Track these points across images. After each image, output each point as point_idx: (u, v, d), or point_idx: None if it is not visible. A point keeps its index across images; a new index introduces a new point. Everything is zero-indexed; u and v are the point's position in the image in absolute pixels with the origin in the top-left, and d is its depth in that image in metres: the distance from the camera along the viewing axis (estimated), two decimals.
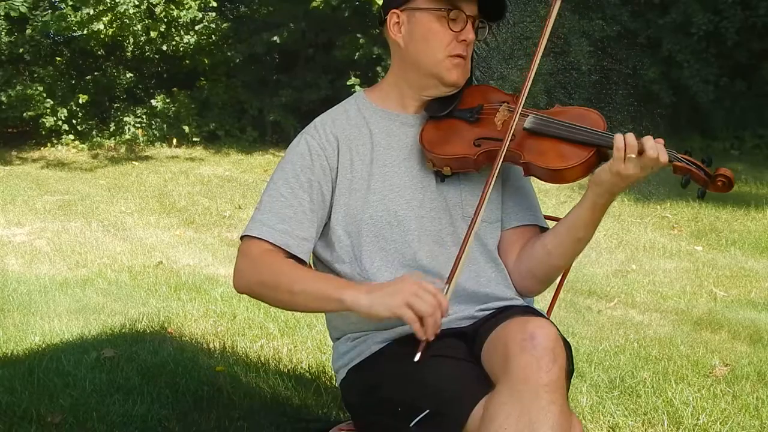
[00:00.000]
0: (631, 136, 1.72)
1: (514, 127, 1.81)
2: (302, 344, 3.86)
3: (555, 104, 1.91)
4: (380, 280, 1.82)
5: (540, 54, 1.85)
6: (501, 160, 1.79)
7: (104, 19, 11.82)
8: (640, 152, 1.70)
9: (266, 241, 1.81)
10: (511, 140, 1.81)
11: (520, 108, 1.83)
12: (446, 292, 1.68)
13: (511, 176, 1.96)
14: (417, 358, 1.63)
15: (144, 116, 13.26)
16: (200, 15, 12.98)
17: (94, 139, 13.06)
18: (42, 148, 13.02)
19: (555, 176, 1.81)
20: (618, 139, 1.72)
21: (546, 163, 1.80)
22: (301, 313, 1.90)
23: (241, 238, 1.87)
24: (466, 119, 1.89)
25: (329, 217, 1.88)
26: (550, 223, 2.05)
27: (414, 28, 1.86)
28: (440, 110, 1.91)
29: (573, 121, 1.82)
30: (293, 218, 1.82)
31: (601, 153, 1.78)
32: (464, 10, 1.83)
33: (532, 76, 1.85)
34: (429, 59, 1.86)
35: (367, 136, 1.91)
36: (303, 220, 1.83)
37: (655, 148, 1.70)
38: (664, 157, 1.70)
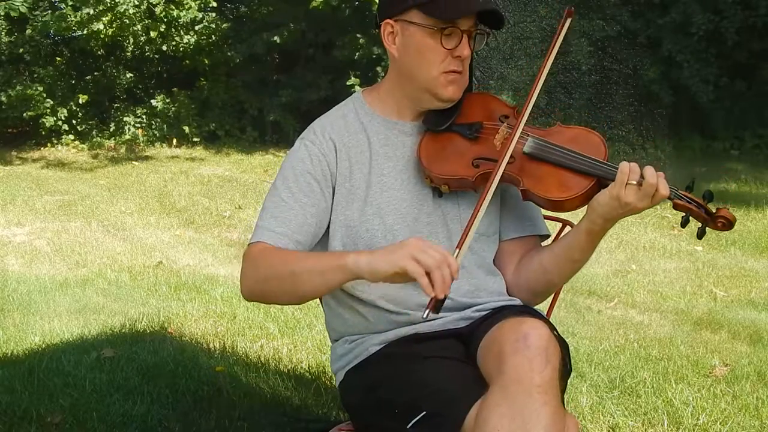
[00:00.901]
0: (634, 164, 1.71)
1: (511, 149, 1.77)
2: (302, 344, 3.87)
3: (557, 123, 1.88)
4: (374, 294, 1.82)
5: (542, 79, 1.82)
6: (495, 184, 1.74)
7: (104, 19, 11.82)
8: (642, 179, 1.70)
9: (265, 243, 1.80)
10: (511, 163, 1.78)
11: (518, 132, 1.79)
12: (456, 256, 1.61)
13: (510, 187, 1.92)
14: (425, 314, 1.55)
15: (144, 116, 13.26)
16: (200, 15, 12.97)
17: (94, 139, 13.06)
18: (42, 148, 13.02)
19: (554, 206, 1.80)
20: (623, 164, 1.71)
21: (545, 193, 1.78)
22: (310, 299, 1.85)
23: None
24: (465, 135, 1.86)
25: (328, 226, 1.86)
26: (551, 224, 2.05)
27: (408, 42, 1.81)
28: (439, 124, 1.87)
29: (574, 145, 1.79)
30: (293, 221, 1.80)
31: (602, 183, 1.76)
32: (458, 26, 1.78)
33: (533, 99, 1.81)
34: (423, 75, 1.81)
35: (365, 144, 1.89)
36: (302, 224, 1.81)
37: (656, 177, 1.70)
38: (663, 188, 1.70)
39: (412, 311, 1.82)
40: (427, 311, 1.55)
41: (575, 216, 1.90)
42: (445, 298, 1.55)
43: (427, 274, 1.53)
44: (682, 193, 1.74)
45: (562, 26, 1.84)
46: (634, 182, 1.69)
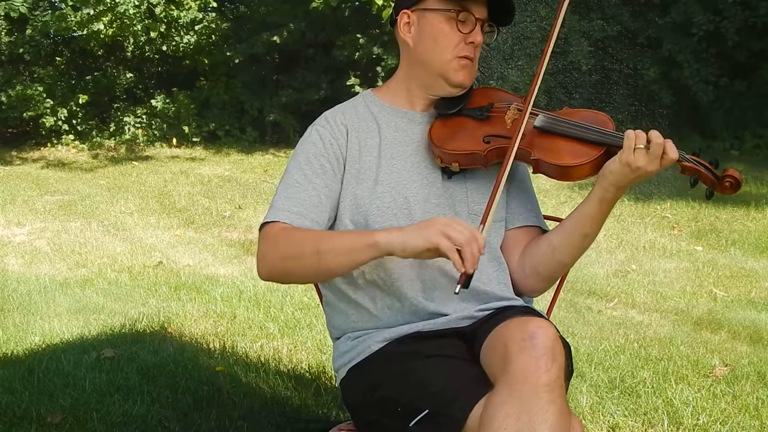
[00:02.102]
0: (640, 130, 1.75)
1: (525, 120, 1.82)
2: (302, 344, 3.87)
3: (564, 107, 1.93)
4: (387, 271, 1.83)
5: (549, 53, 1.86)
6: (512, 157, 1.80)
7: (104, 19, 11.82)
8: (648, 143, 1.73)
9: (283, 222, 1.82)
10: (521, 138, 1.82)
11: (530, 105, 1.84)
12: (482, 231, 1.69)
13: (516, 177, 1.98)
14: (457, 290, 1.63)
15: (144, 116, 13.26)
16: (200, 15, 12.97)
17: (94, 139, 13.07)
18: (42, 148, 13.02)
19: (564, 173, 1.83)
20: (629, 131, 1.76)
21: (556, 160, 1.81)
22: (333, 277, 1.89)
23: (261, 228, 1.88)
24: (475, 117, 1.91)
25: (337, 203, 1.89)
26: (550, 224, 2.05)
27: (423, 29, 1.89)
28: (449, 108, 1.92)
29: (582, 121, 1.85)
30: (307, 201, 1.84)
31: (611, 152, 1.80)
32: (473, 13, 1.86)
33: (542, 74, 1.86)
34: (437, 59, 1.88)
35: (375, 130, 1.93)
36: (317, 204, 1.84)
37: (662, 138, 1.74)
38: (671, 150, 1.74)
39: (414, 297, 1.84)
40: (458, 286, 1.63)
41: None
42: (474, 272, 1.63)
43: (458, 250, 1.61)
44: (690, 156, 1.78)
45: (562, 5, 1.88)
46: (642, 146, 1.73)
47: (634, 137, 1.74)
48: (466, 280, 1.63)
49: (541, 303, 2.18)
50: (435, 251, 1.63)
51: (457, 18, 1.85)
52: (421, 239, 1.63)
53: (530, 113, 1.85)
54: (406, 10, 1.91)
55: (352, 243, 1.73)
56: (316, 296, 2.08)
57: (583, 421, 2.90)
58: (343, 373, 1.91)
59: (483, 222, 1.72)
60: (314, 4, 11.54)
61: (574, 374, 1.88)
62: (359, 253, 1.71)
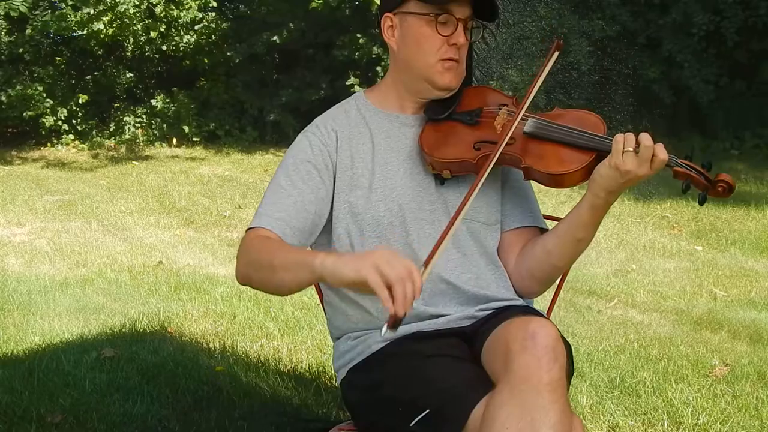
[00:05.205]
0: (629, 134, 1.73)
1: (512, 130, 1.80)
2: (302, 344, 3.87)
3: (554, 106, 1.91)
4: None
5: (540, 80, 1.83)
6: (493, 162, 1.77)
7: (104, 18, 11.82)
8: (638, 146, 1.70)
9: (263, 228, 1.81)
10: (511, 144, 1.80)
11: (521, 113, 1.82)
12: (422, 273, 1.53)
13: (510, 178, 1.96)
14: (383, 332, 1.46)
15: (144, 116, 13.25)
16: (200, 15, 12.97)
17: (94, 139, 13.06)
18: (42, 148, 13.02)
19: (555, 180, 1.81)
20: (618, 135, 1.74)
21: (546, 168, 1.79)
22: (287, 293, 1.82)
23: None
24: (465, 122, 1.89)
25: (330, 212, 1.88)
26: (550, 223, 2.05)
27: (406, 33, 1.86)
28: (439, 113, 1.90)
29: (573, 124, 1.82)
30: (291, 208, 1.82)
31: (601, 157, 1.78)
32: (454, 14, 1.82)
33: (535, 91, 1.83)
34: (420, 63, 1.86)
35: (367, 136, 1.92)
36: (300, 210, 1.83)
37: (651, 141, 1.71)
38: (661, 153, 1.71)
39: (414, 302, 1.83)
40: (384, 328, 1.47)
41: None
42: (404, 315, 1.46)
43: (389, 287, 1.47)
44: (682, 161, 1.76)
45: (550, 58, 1.85)
46: (631, 149, 1.71)
47: (622, 140, 1.71)
48: (394, 322, 1.45)
49: (541, 303, 2.18)
50: (365, 285, 1.49)
51: (437, 20, 1.82)
52: (351, 271, 1.51)
53: (520, 117, 1.82)
54: (388, 14, 1.88)
55: (296, 260, 1.65)
56: (316, 296, 2.08)
57: (583, 421, 2.90)
58: (343, 373, 1.91)
59: (426, 264, 1.58)
60: (314, 4, 11.55)
61: (575, 374, 1.88)
62: (299, 272, 1.64)
